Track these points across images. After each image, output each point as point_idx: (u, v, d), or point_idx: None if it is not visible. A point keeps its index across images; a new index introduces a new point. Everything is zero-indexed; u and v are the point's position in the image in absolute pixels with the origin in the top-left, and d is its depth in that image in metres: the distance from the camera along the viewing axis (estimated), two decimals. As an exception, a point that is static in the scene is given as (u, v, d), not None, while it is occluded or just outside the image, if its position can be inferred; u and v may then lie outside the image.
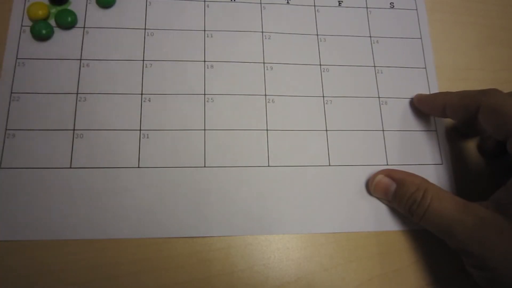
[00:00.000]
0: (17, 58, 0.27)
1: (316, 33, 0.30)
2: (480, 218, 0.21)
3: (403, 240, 0.27)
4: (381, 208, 0.27)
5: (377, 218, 0.27)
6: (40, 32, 0.27)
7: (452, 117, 0.27)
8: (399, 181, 0.25)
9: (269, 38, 0.30)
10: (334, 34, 0.30)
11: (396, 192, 0.25)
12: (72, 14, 0.28)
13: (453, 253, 0.24)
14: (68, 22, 0.28)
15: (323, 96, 0.29)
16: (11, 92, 0.26)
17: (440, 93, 0.28)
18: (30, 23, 0.28)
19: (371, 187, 0.27)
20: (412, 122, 0.29)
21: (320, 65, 0.30)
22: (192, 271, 0.24)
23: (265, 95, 0.28)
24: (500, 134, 0.23)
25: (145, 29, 0.29)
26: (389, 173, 0.26)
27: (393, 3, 0.32)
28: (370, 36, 0.31)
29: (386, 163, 0.28)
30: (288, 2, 0.31)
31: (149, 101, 0.27)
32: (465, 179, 0.28)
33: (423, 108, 0.29)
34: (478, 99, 0.24)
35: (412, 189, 0.24)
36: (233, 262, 0.25)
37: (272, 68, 0.29)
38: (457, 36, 0.33)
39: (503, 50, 0.33)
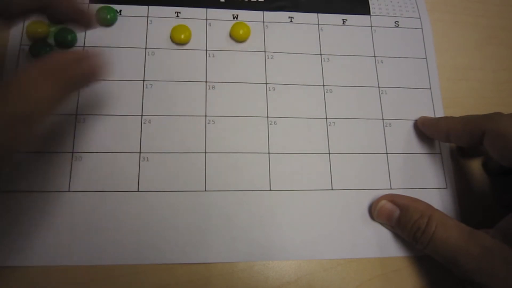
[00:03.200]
0: (15, 78, 0.26)
1: (319, 53, 0.30)
2: (487, 248, 0.21)
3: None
4: (385, 234, 0.26)
5: (381, 243, 0.26)
6: (39, 52, 0.26)
7: (456, 143, 0.27)
8: (402, 207, 0.25)
9: (271, 58, 0.29)
10: (338, 54, 0.30)
11: (399, 219, 0.25)
12: (72, 32, 0.27)
13: (458, 280, 0.23)
14: (67, 41, 0.27)
15: (326, 118, 0.28)
16: (9, 113, 0.26)
17: (443, 118, 0.28)
18: (29, 42, 0.27)
19: (374, 212, 0.26)
20: (416, 144, 0.29)
21: (324, 85, 0.29)
22: (192, 271, 0.24)
23: (267, 116, 0.28)
24: (506, 160, 0.23)
25: (145, 48, 0.28)
26: (392, 199, 0.26)
27: (398, 22, 0.32)
28: (375, 56, 0.30)
29: (389, 187, 0.27)
30: (291, 21, 0.30)
31: (149, 122, 0.27)
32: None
33: (427, 132, 0.28)
34: (483, 125, 0.24)
35: (416, 216, 0.24)
36: (233, 262, 0.25)
37: (274, 88, 0.28)
38: (457, 36, 0.33)
39: (503, 50, 0.33)
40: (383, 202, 0.26)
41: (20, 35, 0.27)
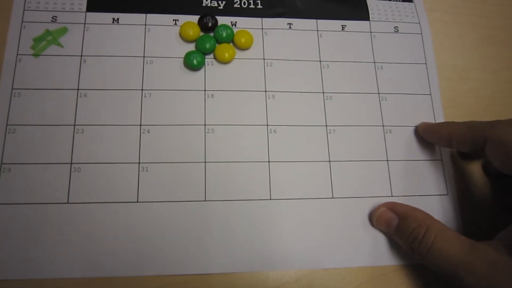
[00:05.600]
0: (12, 89, 0.26)
1: (319, 59, 0.30)
2: (490, 262, 0.20)
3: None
4: (386, 243, 0.26)
5: (382, 252, 0.26)
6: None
7: (458, 148, 0.27)
8: (401, 215, 0.25)
9: (271, 65, 0.29)
10: (337, 60, 0.30)
11: (398, 227, 0.25)
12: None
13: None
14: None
15: (326, 125, 0.28)
16: (7, 124, 0.26)
17: (445, 123, 0.27)
18: (30, 51, 0.27)
19: (373, 219, 0.26)
20: (416, 151, 0.29)
21: (323, 92, 0.29)
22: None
23: (267, 125, 0.28)
24: (506, 169, 0.23)
25: (144, 57, 0.28)
26: (392, 206, 0.26)
27: (397, 27, 0.31)
28: (374, 62, 0.30)
29: (390, 194, 0.27)
30: (290, 27, 0.30)
31: (148, 132, 0.26)
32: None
33: (428, 138, 0.28)
34: (485, 132, 0.23)
35: (414, 225, 0.23)
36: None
37: (274, 96, 0.28)
38: (457, 36, 0.33)
39: (503, 50, 0.33)
40: (383, 209, 0.26)
41: (17, 44, 0.27)
